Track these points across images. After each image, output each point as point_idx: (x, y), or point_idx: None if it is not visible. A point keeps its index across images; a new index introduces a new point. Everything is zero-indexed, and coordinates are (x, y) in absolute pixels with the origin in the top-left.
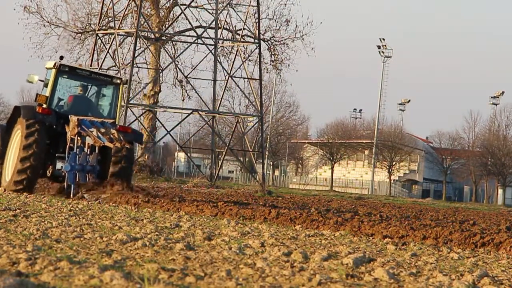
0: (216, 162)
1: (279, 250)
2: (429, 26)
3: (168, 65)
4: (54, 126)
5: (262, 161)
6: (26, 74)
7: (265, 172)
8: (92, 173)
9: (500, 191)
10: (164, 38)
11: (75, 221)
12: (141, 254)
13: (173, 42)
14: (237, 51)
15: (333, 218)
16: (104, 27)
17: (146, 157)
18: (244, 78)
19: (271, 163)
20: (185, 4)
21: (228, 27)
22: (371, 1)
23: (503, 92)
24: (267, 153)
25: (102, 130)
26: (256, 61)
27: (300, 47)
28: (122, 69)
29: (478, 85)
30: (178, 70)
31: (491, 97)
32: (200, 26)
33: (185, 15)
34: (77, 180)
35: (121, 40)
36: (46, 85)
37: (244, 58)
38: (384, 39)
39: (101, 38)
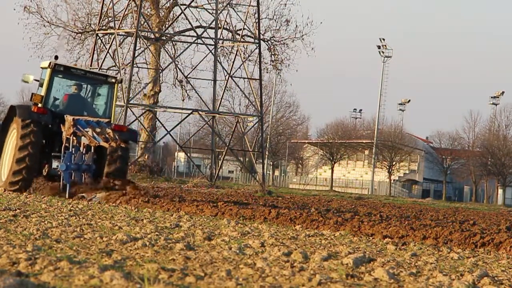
0: (216, 162)
1: (279, 250)
2: (429, 26)
3: (168, 65)
4: (50, 126)
5: (262, 161)
6: (22, 74)
7: (265, 172)
8: (87, 172)
9: (500, 191)
10: (164, 38)
11: (75, 221)
12: (141, 254)
13: (173, 42)
14: (237, 51)
15: (333, 218)
16: (104, 27)
17: (146, 157)
18: (244, 78)
19: (271, 163)
20: (185, 4)
21: (228, 27)
22: (371, 1)
23: (503, 92)
24: (267, 153)
25: (98, 129)
26: (256, 61)
27: (300, 47)
28: (122, 69)
29: (478, 85)
30: (178, 70)
31: (491, 97)
32: (200, 26)
33: (185, 15)
34: (72, 179)
35: (121, 40)
36: (41, 85)
37: (244, 58)
38: (384, 39)
39: (101, 38)
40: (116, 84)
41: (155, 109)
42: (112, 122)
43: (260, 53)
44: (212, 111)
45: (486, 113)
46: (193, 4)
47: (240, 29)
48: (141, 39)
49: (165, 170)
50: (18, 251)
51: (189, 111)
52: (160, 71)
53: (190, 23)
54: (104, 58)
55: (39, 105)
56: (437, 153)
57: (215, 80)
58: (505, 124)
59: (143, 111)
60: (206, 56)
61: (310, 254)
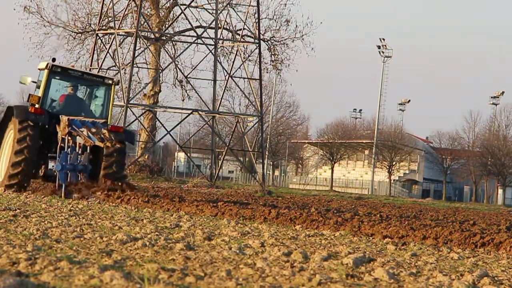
0: (216, 162)
1: (279, 250)
2: (429, 26)
3: (168, 65)
4: (47, 126)
5: (262, 161)
6: (19, 76)
7: (265, 172)
8: (83, 172)
9: (500, 191)
10: (164, 38)
11: (75, 221)
12: (141, 254)
13: (173, 42)
14: (237, 51)
15: (333, 218)
16: (104, 27)
17: (146, 157)
18: (244, 78)
19: (271, 163)
20: (185, 4)
21: (228, 27)
22: (371, 1)
23: (503, 92)
24: (267, 153)
25: (93, 129)
26: (256, 61)
27: (300, 47)
28: (122, 69)
29: (478, 85)
30: (178, 70)
31: (491, 97)
32: (200, 26)
33: (185, 15)
34: (68, 179)
35: (121, 40)
36: (38, 86)
37: (244, 58)
38: (384, 39)
39: (101, 38)
40: (113, 86)
41: (155, 109)
42: (109, 123)
43: (260, 53)
44: (212, 111)
45: (486, 113)
46: (193, 4)
47: (240, 29)
48: (141, 39)
49: (165, 170)
50: (18, 251)
51: (189, 111)
52: (160, 71)
53: (190, 23)
54: (104, 58)
55: (36, 105)
56: (437, 153)
57: (215, 80)
58: (505, 124)
59: (143, 111)
60: (206, 56)
61: (310, 254)
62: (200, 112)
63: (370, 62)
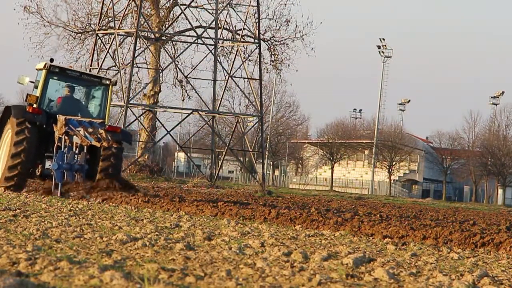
0: (216, 162)
1: (279, 250)
2: (429, 26)
3: (168, 65)
4: (44, 126)
5: (262, 161)
6: (18, 76)
7: (265, 172)
8: (80, 172)
9: (500, 191)
10: (164, 38)
11: (75, 221)
12: (141, 254)
13: (173, 42)
14: (237, 51)
15: (333, 218)
16: (104, 27)
17: (146, 157)
18: (244, 78)
19: (271, 163)
20: (185, 4)
21: (228, 27)
22: (371, 1)
23: (503, 92)
24: (267, 153)
25: (90, 129)
26: (256, 61)
27: (300, 47)
28: (122, 69)
29: (478, 85)
30: (178, 70)
31: (491, 97)
32: (200, 26)
33: (185, 15)
34: (65, 179)
35: (121, 40)
36: (36, 86)
37: (244, 58)
38: (384, 39)
39: (101, 38)
40: (110, 86)
41: (155, 109)
42: (106, 123)
43: (260, 53)
44: (212, 111)
45: (486, 113)
46: (193, 4)
47: (240, 29)
48: (141, 39)
49: (165, 170)
50: (18, 251)
51: (189, 111)
52: (160, 71)
53: (190, 23)
54: (104, 58)
55: (34, 105)
56: (437, 153)
57: (215, 80)
58: (505, 124)
59: (143, 111)
60: (206, 56)
61: (310, 254)
62: (200, 112)
63: (370, 62)
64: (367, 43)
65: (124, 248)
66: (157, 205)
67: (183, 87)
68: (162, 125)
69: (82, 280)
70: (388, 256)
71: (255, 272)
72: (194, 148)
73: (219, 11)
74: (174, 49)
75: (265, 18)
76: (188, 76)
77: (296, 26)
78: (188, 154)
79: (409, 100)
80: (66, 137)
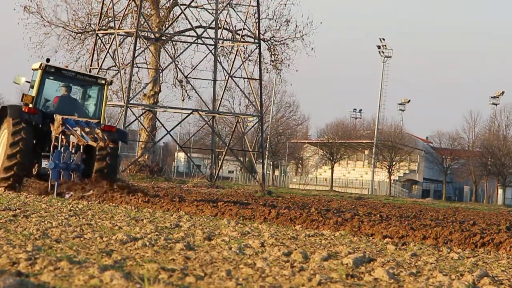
0: (216, 162)
1: (279, 250)
2: (429, 26)
3: (168, 65)
4: (40, 126)
5: (262, 161)
6: (14, 76)
7: (265, 172)
8: (76, 171)
9: (500, 191)
10: (164, 38)
11: (75, 221)
12: (141, 254)
13: (173, 42)
14: (237, 51)
15: (333, 218)
16: (104, 27)
17: (146, 157)
18: (244, 78)
19: (271, 163)
20: (185, 4)
21: (228, 27)
22: (371, 1)
23: (503, 92)
24: (267, 153)
25: (86, 129)
26: (256, 61)
27: (300, 47)
28: (122, 69)
29: (478, 85)
30: (178, 70)
31: (491, 97)
32: (200, 26)
33: (185, 15)
34: (61, 178)
35: (121, 40)
36: (32, 86)
37: (244, 58)
38: (384, 39)
39: (101, 38)
40: (106, 86)
41: (155, 109)
42: (102, 122)
43: (260, 53)
44: (212, 111)
45: (486, 113)
46: (193, 4)
47: (240, 29)
48: (141, 39)
49: (165, 170)
50: (18, 251)
51: (189, 111)
52: (160, 71)
53: (190, 23)
54: (104, 58)
55: (30, 105)
56: (437, 153)
57: (215, 80)
58: (505, 124)
59: (143, 111)
60: (206, 56)
61: (310, 254)
62: (200, 112)
63: (370, 62)
64: (367, 43)
65: (124, 248)
66: (157, 205)
67: (183, 87)
68: (162, 125)
69: (82, 280)
70: (388, 256)
71: (255, 272)
72: (194, 148)
73: (219, 11)
74: (174, 49)
75: (265, 18)
76: (188, 76)
77: (296, 26)
78: (188, 154)
79: (409, 100)
80: (63, 137)
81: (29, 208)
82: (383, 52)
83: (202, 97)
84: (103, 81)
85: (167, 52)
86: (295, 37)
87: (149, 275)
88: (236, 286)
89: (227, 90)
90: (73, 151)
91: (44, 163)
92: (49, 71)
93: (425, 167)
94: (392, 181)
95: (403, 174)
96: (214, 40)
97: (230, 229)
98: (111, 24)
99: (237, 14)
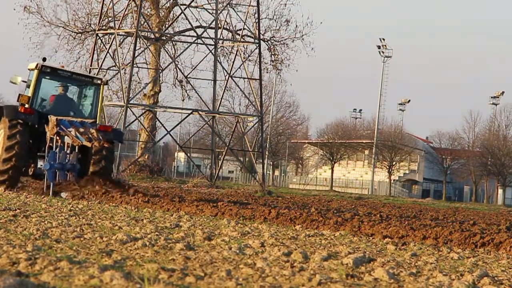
0: (216, 162)
1: (279, 250)
2: (429, 26)
3: (168, 65)
4: (36, 126)
5: (262, 161)
6: (11, 76)
7: (265, 172)
8: (72, 171)
9: (500, 191)
10: (164, 38)
11: (75, 221)
12: (141, 254)
13: (173, 42)
14: (237, 51)
15: (333, 218)
16: (104, 27)
17: (146, 157)
18: (244, 78)
19: (271, 163)
20: (185, 4)
21: (228, 27)
22: (371, 1)
23: (503, 92)
24: (267, 153)
25: (81, 129)
26: (256, 61)
27: (300, 47)
28: (122, 69)
29: (478, 85)
30: (178, 70)
31: (491, 97)
32: (200, 26)
33: (185, 15)
34: (57, 178)
35: (121, 40)
36: (28, 86)
37: (244, 58)
38: (384, 39)
39: (101, 38)
40: (101, 86)
41: (155, 109)
42: (97, 122)
43: (260, 53)
44: (212, 111)
45: (486, 113)
46: (193, 4)
47: (240, 29)
48: (141, 39)
49: (165, 170)
50: (18, 251)
51: (189, 111)
52: (160, 71)
53: (190, 23)
54: (104, 58)
55: (26, 105)
56: (437, 153)
57: (215, 80)
58: (505, 124)
59: (143, 111)
60: (206, 56)
61: (310, 254)
62: (200, 112)
63: (370, 62)
64: (367, 43)
65: (124, 248)
66: (157, 205)
67: (183, 87)
68: (162, 125)
69: (82, 280)
70: (388, 256)
71: (255, 272)
72: (194, 148)
73: (219, 11)
74: (174, 49)
75: (265, 18)
76: (188, 76)
77: (296, 26)
78: (188, 154)
79: (409, 100)
80: (57, 137)
81: (29, 208)
82: (383, 52)
83: (202, 97)
84: (99, 81)
85: (167, 52)
86: (295, 37)
87: (149, 275)
88: (236, 286)
89: (227, 90)
90: (68, 151)
91: (40, 163)
92: (45, 71)
93: (425, 167)
94: (392, 181)
95: (403, 174)
96: (214, 40)
97: (230, 229)
98: (111, 24)
99: (237, 14)
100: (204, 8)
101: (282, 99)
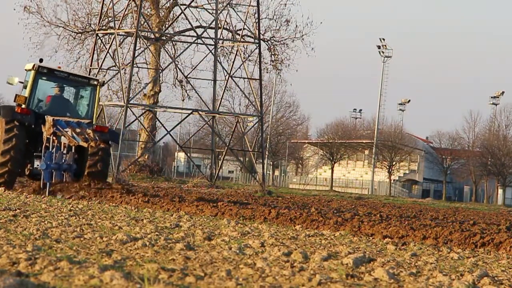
0: (216, 162)
1: (279, 250)
2: (429, 26)
3: (168, 65)
4: (33, 126)
5: (262, 161)
6: (7, 76)
7: (265, 172)
8: (68, 171)
9: (500, 191)
10: (164, 38)
11: (75, 221)
12: (141, 254)
13: (173, 42)
14: (237, 51)
15: (333, 218)
16: (104, 27)
17: (146, 157)
18: (244, 78)
19: (271, 163)
20: (185, 4)
21: (228, 27)
22: (371, 1)
23: (503, 92)
24: (267, 153)
25: (78, 130)
26: (256, 61)
27: (300, 47)
28: (122, 69)
29: (478, 85)
30: (178, 70)
31: (491, 97)
32: (200, 26)
33: (185, 15)
34: (53, 178)
35: (121, 40)
36: (25, 86)
37: (244, 58)
38: (384, 39)
39: (101, 38)
40: (98, 86)
41: (155, 109)
42: (94, 123)
43: (260, 53)
44: (212, 111)
45: (486, 113)
46: (193, 4)
47: (240, 29)
48: (141, 39)
49: (165, 170)
50: (18, 251)
51: (189, 111)
52: (160, 71)
53: (190, 23)
54: (104, 58)
55: (23, 106)
56: (437, 153)
57: (215, 80)
58: (505, 124)
59: (143, 111)
60: (206, 56)
61: (310, 254)
62: (200, 112)
63: (370, 62)
64: (367, 43)
65: (124, 248)
66: (157, 205)
67: (183, 87)
68: (162, 125)
69: (82, 280)
70: (388, 256)
71: (255, 272)
72: (194, 148)
73: (219, 11)
74: (174, 49)
75: (265, 18)
76: (188, 76)
77: (296, 26)
78: (188, 154)
79: (409, 100)
80: (54, 138)
81: (29, 208)
82: (383, 52)
83: (202, 97)
84: (95, 82)
85: (167, 52)
86: (295, 37)
87: (149, 275)
88: (236, 286)
89: (227, 90)
90: (64, 151)
91: (37, 163)
92: (41, 72)
93: (425, 167)
94: (392, 181)
95: (403, 174)
96: (214, 40)
97: (230, 229)
98: (111, 24)
99: (237, 14)
100: (204, 8)
101: (282, 99)
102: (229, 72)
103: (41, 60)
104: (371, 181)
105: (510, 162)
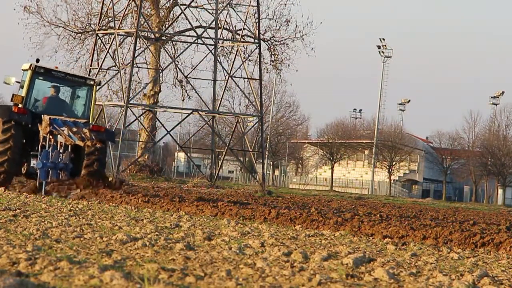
0: (216, 162)
1: (279, 250)
2: (429, 26)
3: (168, 65)
4: (30, 125)
5: (262, 161)
6: (4, 76)
7: (265, 172)
8: (64, 170)
9: (500, 191)
10: (164, 38)
11: (75, 221)
12: (141, 254)
13: (173, 42)
14: (237, 51)
15: (333, 218)
16: (104, 27)
17: (146, 157)
18: (244, 78)
19: (271, 163)
20: (185, 4)
21: (228, 27)
22: (371, 1)
23: (503, 92)
24: (267, 153)
25: (74, 129)
26: (256, 61)
27: (300, 47)
28: (122, 69)
29: (478, 85)
30: (178, 70)
31: (491, 97)
32: (200, 26)
33: (185, 15)
34: (49, 177)
35: (121, 40)
36: (22, 86)
37: (244, 58)
38: (384, 39)
39: (101, 38)
40: (94, 86)
41: (155, 109)
42: (90, 122)
43: (260, 53)
44: (212, 111)
45: (486, 113)
46: (193, 4)
47: (240, 29)
48: (141, 39)
49: (165, 170)
50: (18, 251)
51: (189, 111)
52: (160, 71)
53: (190, 23)
54: (104, 58)
55: (20, 105)
56: (437, 153)
57: (215, 80)
58: (505, 124)
59: (143, 111)
60: (206, 56)
61: (310, 254)
62: (200, 112)
63: (370, 62)
64: (367, 43)
65: (124, 248)
66: (157, 205)
67: (183, 87)
68: (162, 125)
69: (82, 280)
70: (388, 256)
71: (255, 272)
72: (194, 148)
73: (219, 11)
74: (174, 49)
75: (265, 18)
76: (188, 76)
77: (296, 26)
78: (188, 154)
79: (409, 100)
80: (50, 137)
81: (29, 208)
82: (383, 52)
83: (202, 97)
84: (91, 82)
85: (167, 52)
86: (295, 37)
87: (149, 275)
88: (236, 286)
89: (227, 90)
90: (61, 150)
91: (33, 162)
92: (38, 72)
93: (425, 167)
94: (392, 181)
95: (403, 174)
96: (214, 40)
97: (230, 229)
98: (111, 24)
99: (237, 14)
100: (204, 8)
101: (282, 99)
102: (229, 72)
103: (37, 60)
104: (371, 181)
105: (510, 162)
